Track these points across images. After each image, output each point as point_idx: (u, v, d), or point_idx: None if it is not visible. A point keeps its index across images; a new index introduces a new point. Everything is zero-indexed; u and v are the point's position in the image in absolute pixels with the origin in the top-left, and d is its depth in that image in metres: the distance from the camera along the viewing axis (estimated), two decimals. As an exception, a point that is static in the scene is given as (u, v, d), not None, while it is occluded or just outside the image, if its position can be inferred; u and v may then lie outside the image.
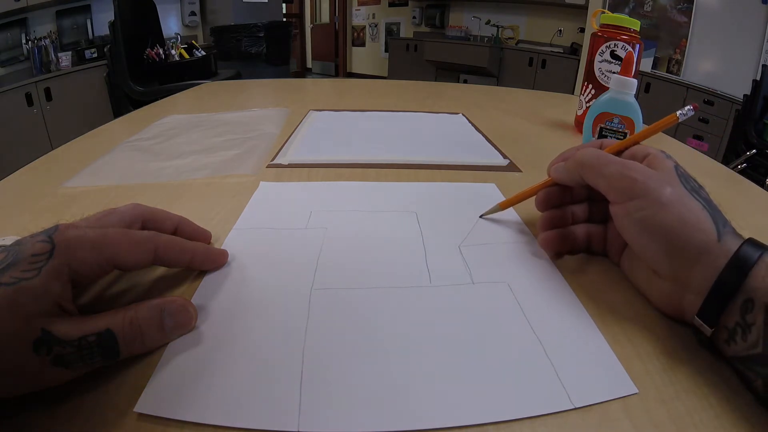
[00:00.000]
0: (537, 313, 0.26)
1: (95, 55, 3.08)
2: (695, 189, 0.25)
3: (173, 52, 2.63)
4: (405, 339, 0.23)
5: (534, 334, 0.24)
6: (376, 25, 5.78)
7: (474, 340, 0.23)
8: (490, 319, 0.25)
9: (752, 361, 0.20)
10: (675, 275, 0.24)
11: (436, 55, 4.52)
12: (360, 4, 5.91)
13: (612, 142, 0.31)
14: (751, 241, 0.22)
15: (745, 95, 2.10)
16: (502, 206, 0.37)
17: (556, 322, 0.25)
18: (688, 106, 0.29)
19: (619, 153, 0.30)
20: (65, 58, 2.88)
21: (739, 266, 0.21)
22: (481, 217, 0.37)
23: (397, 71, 5.08)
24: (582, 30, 3.68)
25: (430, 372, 0.21)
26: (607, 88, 0.44)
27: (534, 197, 0.33)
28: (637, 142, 0.30)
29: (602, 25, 0.65)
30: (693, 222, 0.23)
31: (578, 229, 0.32)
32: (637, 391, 0.21)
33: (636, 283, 0.28)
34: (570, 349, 0.23)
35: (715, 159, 0.64)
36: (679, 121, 0.29)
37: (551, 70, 3.88)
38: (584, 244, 0.32)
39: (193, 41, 3.05)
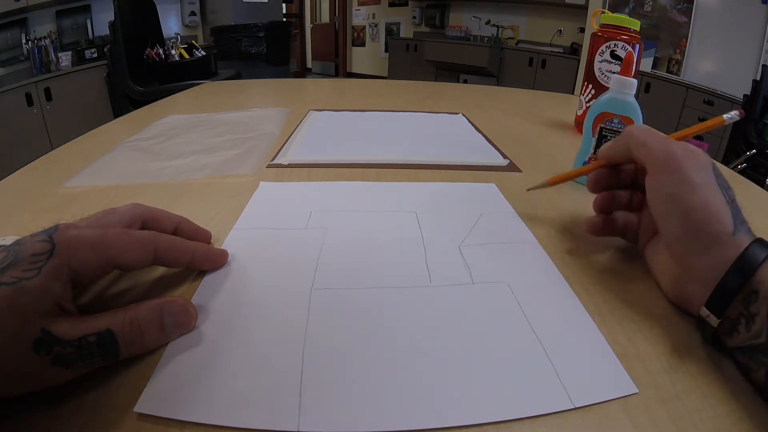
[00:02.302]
0: (537, 313, 0.26)
1: (95, 55, 3.08)
2: (724, 186, 0.26)
3: (173, 52, 2.63)
4: (405, 339, 0.23)
5: (534, 334, 0.24)
6: (376, 25, 5.78)
7: (474, 340, 0.23)
8: (490, 319, 0.25)
9: (755, 351, 0.21)
10: (685, 259, 0.25)
11: (436, 55, 4.52)
12: (360, 4, 5.91)
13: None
14: (761, 241, 0.23)
15: (745, 95, 2.10)
16: (551, 182, 0.38)
17: (556, 322, 0.25)
18: (734, 111, 0.31)
19: None
20: (65, 58, 2.88)
21: (748, 261, 0.22)
22: (528, 190, 0.39)
23: (397, 71, 5.08)
24: (582, 30, 3.68)
25: (430, 372, 0.21)
26: (607, 88, 0.44)
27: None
28: (687, 137, 0.32)
29: (602, 25, 0.65)
30: (714, 210, 0.24)
31: (619, 214, 0.33)
32: (637, 391, 0.21)
33: (652, 267, 0.30)
34: (570, 349, 0.23)
35: (715, 159, 0.64)
36: (726, 123, 0.31)
37: (551, 70, 3.88)
38: (621, 231, 0.33)
39: (193, 41, 3.05)
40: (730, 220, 0.24)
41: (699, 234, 0.24)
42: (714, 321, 0.22)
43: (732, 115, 0.30)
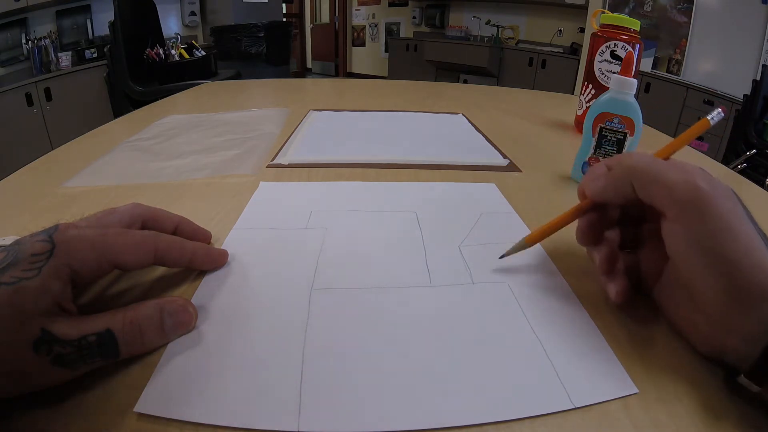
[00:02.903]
0: (537, 313, 0.26)
1: (95, 55, 3.07)
2: (752, 219, 0.21)
3: (173, 52, 2.63)
4: (405, 339, 0.23)
5: (534, 334, 0.24)
6: (376, 25, 5.78)
7: (474, 340, 0.23)
8: (490, 319, 0.25)
9: None
10: (726, 318, 0.20)
11: (436, 55, 4.52)
12: (360, 4, 5.91)
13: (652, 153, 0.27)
14: None
15: (745, 95, 2.10)
16: (528, 242, 0.30)
17: (556, 322, 0.25)
18: (717, 110, 0.27)
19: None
20: (65, 58, 2.87)
21: None
22: (501, 258, 0.31)
23: (397, 71, 5.07)
24: (582, 30, 3.68)
25: (430, 372, 0.21)
26: (607, 88, 0.44)
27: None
28: (678, 149, 0.27)
29: (602, 25, 0.65)
30: (759, 258, 0.20)
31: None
32: (637, 391, 0.21)
33: (671, 317, 0.25)
34: (570, 349, 0.23)
35: (715, 159, 0.64)
36: (711, 125, 0.27)
37: (551, 70, 3.88)
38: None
39: (193, 41, 3.05)
40: (765, 255, 0.20)
41: (744, 291, 0.20)
42: (755, 388, 0.19)
43: (715, 115, 0.27)
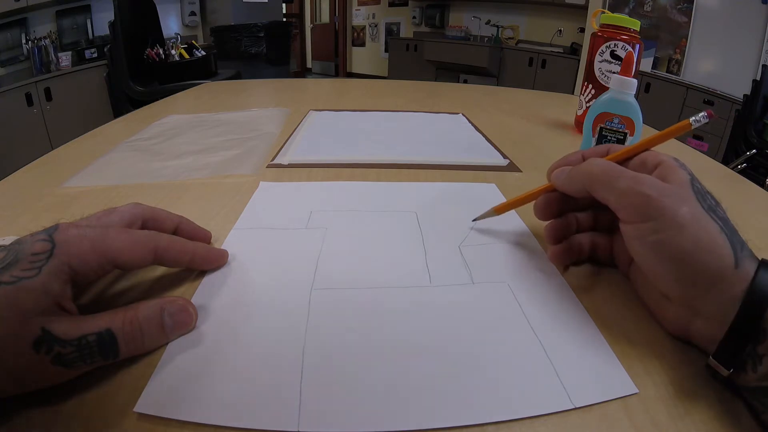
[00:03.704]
0: (537, 313, 0.26)
1: (95, 55, 3.08)
2: (712, 207, 0.23)
3: (173, 52, 2.63)
4: (405, 339, 0.23)
5: (534, 334, 0.24)
6: (376, 25, 5.78)
7: (474, 340, 0.23)
8: (490, 319, 0.25)
9: (761, 393, 0.19)
10: (686, 301, 0.23)
11: (436, 55, 4.52)
12: (360, 4, 5.91)
13: (619, 148, 0.29)
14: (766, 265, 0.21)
15: (745, 95, 2.10)
16: (497, 211, 0.35)
17: (556, 322, 0.25)
18: (703, 113, 0.27)
19: (627, 159, 0.28)
20: (65, 58, 2.88)
21: (757, 300, 0.20)
22: (474, 220, 0.35)
23: (397, 71, 5.07)
24: (582, 30, 3.68)
25: (430, 372, 0.21)
26: (607, 88, 0.44)
27: (533, 203, 0.31)
28: (646, 149, 0.28)
29: (602, 25, 0.65)
30: (709, 246, 0.21)
31: (583, 238, 0.30)
32: (637, 391, 0.21)
33: (644, 299, 0.27)
34: (570, 349, 0.23)
35: (715, 159, 0.64)
36: (693, 128, 0.27)
37: (551, 70, 3.88)
38: (589, 254, 0.31)
39: (193, 41, 3.05)
40: (729, 251, 0.21)
41: (697, 277, 0.21)
42: (724, 371, 0.20)
43: (699, 118, 0.27)
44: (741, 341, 0.20)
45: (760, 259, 0.22)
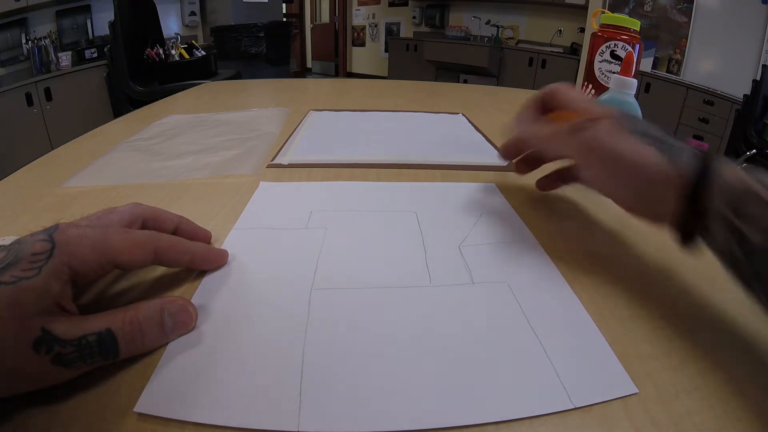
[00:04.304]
0: (537, 313, 0.26)
1: (95, 55, 3.08)
2: (641, 132, 0.28)
3: (173, 52, 2.63)
4: (405, 339, 0.23)
5: (534, 334, 0.24)
6: (376, 25, 5.79)
7: (474, 340, 0.23)
8: (490, 319, 0.25)
9: (728, 254, 0.23)
10: (639, 207, 0.29)
11: (436, 55, 4.52)
12: (360, 4, 5.91)
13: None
14: (702, 159, 0.25)
15: (745, 95, 2.10)
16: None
17: (556, 322, 0.25)
18: None
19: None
20: (65, 58, 2.88)
21: (695, 195, 0.24)
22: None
23: (397, 71, 5.08)
24: (582, 30, 3.68)
25: (430, 372, 0.21)
26: (607, 88, 0.44)
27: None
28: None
29: (602, 25, 0.65)
30: (637, 151, 0.27)
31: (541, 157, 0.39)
32: (637, 390, 0.21)
33: (613, 198, 0.31)
34: (570, 349, 0.23)
35: (715, 159, 0.64)
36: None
37: (551, 70, 3.88)
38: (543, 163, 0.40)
39: (193, 41, 3.05)
40: (655, 153, 0.26)
41: (634, 174, 0.27)
42: (686, 245, 0.26)
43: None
44: (689, 222, 0.25)
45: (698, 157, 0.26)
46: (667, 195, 0.25)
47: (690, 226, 0.25)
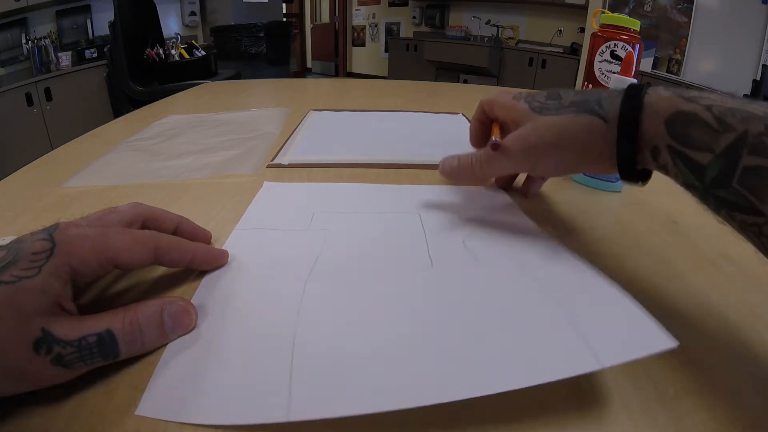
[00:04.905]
0: (550, 280, 0.26)
1: (95, 55, 3.08)
2: (550, 107, 0.31)
3: (173, 52, 2.63)
4: (407, 314, 0.23)
5: (548, 299, 0.24)
6: (376, 25, 5.78)
7: (482, 312, 0.23)
8: (498, 291, 0.25)
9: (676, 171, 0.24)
10: (554, 164, 0.31)
11: (436, 55, 4.52)
12: (360, 4, 5.90)
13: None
14: (628, 93, 0.26)
15: (745, 95, 2.10)
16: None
17: (572, 285, 0.25)
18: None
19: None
20: (65, 58, 2.88)
21: (626, 131, 0.26)
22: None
23: (397, 71, 5.07)
24: (582, 30, 3.68)
25: (438, 346, 0.21)
26: (608, 88, 0.44)
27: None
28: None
29: (602, 25, 0.65)
30: (570, 129, 0.29)
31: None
32: (677, 343, 0.19)
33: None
34: (591, 310, 0.23)
35: (715, 159, 0.64)
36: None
37: (551, 70, 3.88)
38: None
39: (193, 41, 3.05)
40: (582, 117, 0.28)
41: (576, 158, 0.30)
42: (641, 185, 0.28)
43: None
44: (630, 159, 0.26)
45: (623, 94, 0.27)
46: (606, 148, 0.27)
47: (632, 164, 0.27)
